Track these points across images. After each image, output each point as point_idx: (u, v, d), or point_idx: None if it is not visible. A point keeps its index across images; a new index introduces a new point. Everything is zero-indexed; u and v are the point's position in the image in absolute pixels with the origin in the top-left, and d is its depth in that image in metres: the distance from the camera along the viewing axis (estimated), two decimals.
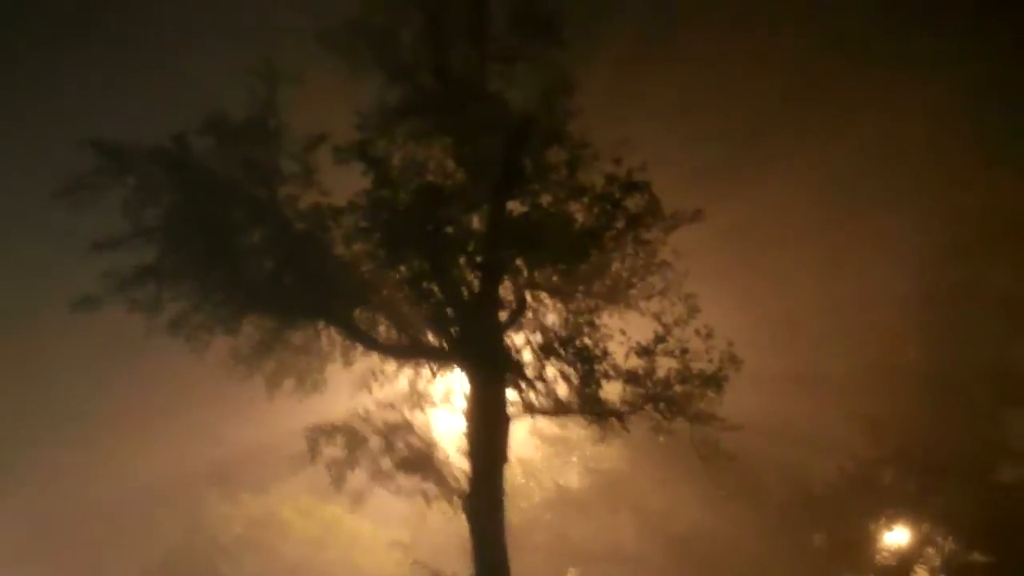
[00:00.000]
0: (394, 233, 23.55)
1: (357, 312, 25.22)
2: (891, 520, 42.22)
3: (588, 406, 24.52)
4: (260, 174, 23.72)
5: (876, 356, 39.63)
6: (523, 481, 41.00)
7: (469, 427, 24.82)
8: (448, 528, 26.87)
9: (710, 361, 24.09)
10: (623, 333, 24.56)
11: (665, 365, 24.36)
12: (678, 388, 24.22)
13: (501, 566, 24.14)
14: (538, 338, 24.83)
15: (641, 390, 24.25)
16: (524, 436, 31.42)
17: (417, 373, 26.44)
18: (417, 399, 26.58)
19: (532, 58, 24.71)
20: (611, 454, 38.35)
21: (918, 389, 39.56)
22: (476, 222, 24.75)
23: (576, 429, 27.64)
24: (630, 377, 24.19)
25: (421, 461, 25.23)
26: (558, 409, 24.75)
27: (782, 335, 37.12)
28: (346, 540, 48.14)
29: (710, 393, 24.22)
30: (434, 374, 26.26)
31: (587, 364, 24.08)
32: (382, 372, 26.73)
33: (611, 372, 24.26)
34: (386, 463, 25.37)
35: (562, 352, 24.24)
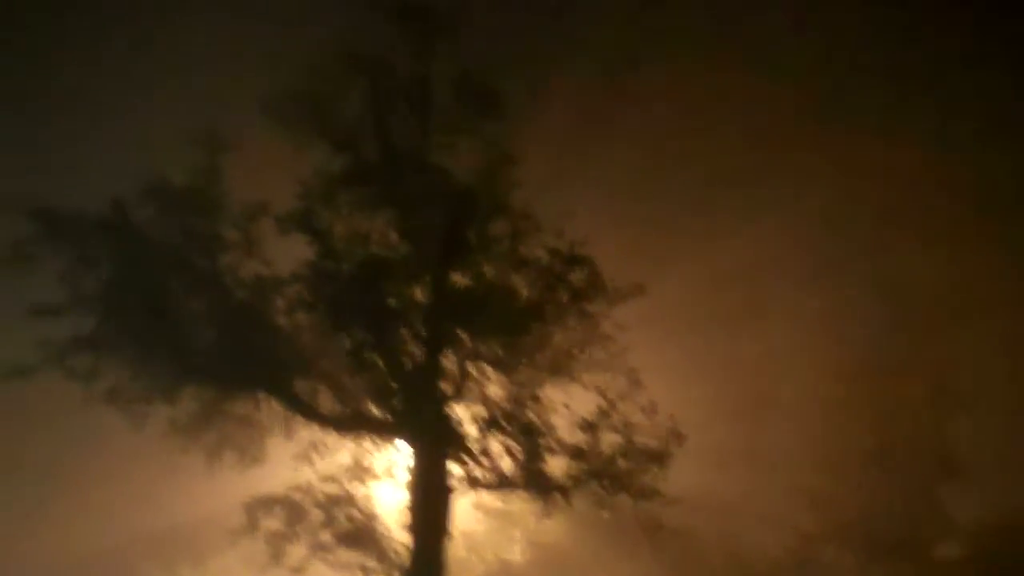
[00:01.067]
0: (337, 305, 23.38)
1: (298, 383, 24.93)
2: None
3: (532, 481, 24.39)
4: (201, 243, 23.49)
5: (816, 430, 39.79)
6: (464, 555, 40.42)
7: (411, 500, 24.60)
8: None
9: (654, 436, 24.09)
10: (567, 407, 24.53)
11: (609, 440, 24.35)
12: (622, 463, 24.18)
13: None
14: (482, 411, 24.70)
15: (585, 465, 24.18)
16: (467, 509, 31.02)
17: (359, 446, 26.10)
18: (359, 472, 26.24)
19: (474, 131, 24.94)
20: (554, 528, 37.90)
21: (859, 464, 39.83)
22: (419, 294, 24.67)
23: (519, 503, 27.36)
24: (574, 452, 24.15)
25: (361, 535, 24.94)
26: (502, 483, 24.62)
27: (725, 410, 37.21)
28: None
29: (654, 469, 24.18)
30: (376, 446, 25.97)
31: (531, 438, 23.99)
32: (324, 444, 26.42)
33: (555, 446, 24.19)
34: (326, 537, 24.96)
35: (505, 426, 24.13)
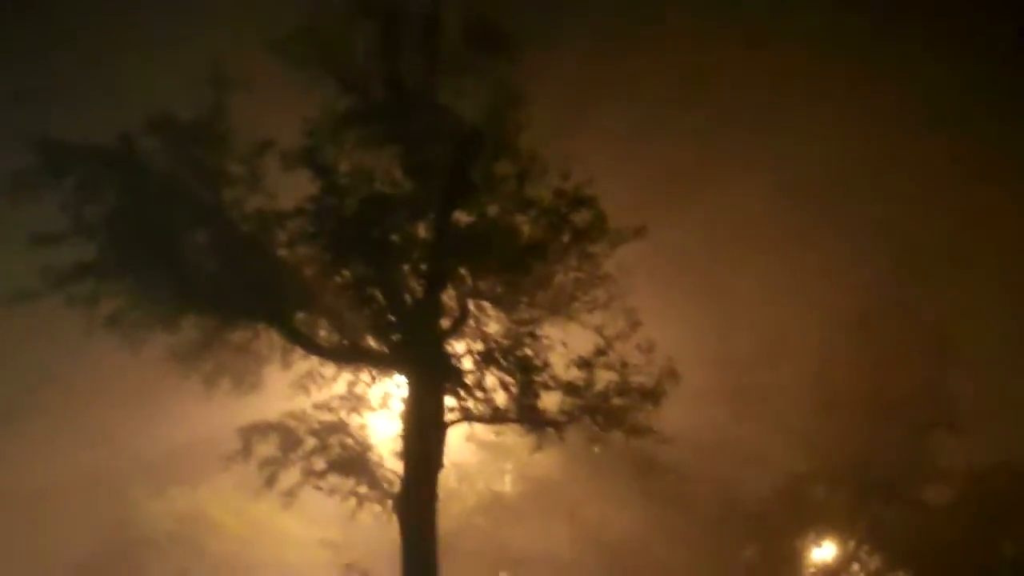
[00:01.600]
0: (339, 239, 23.48)
1: (298, 315, 25.11)
2: (820, 536, 42.91)
3: (525, 415, 24.72)
4: (206, 176, 23.51)
5: (812, 374, 40.15)
6: (456, 486, 41.02)
7: (405, 431, 24.94)
8: (379, 530, 26.85)
9: (649, 375, 24.34)
10: (564, 345, 24.74)
11: (604, 378, 24.61)
12: (616, 401, 24.48)
13: (430, 569, 24.27)
14: (479, 346, 24.92)
15: (579, 401, 24.48)
16: (460, 441, 31.39)
17: (356, 377, 26.39)
18: (355, 402, 26.55)
19: (483, 71, 24.84)
20: (546, 462, 38.33)
21: (851, 408, 40.18)
22: (422, 230, 24.76)
23: (512, 436, 27.72)
24: (569, 388, 24.44)
25: (354, 462, 25.32)
26: (495, 417, 24.97)
27: (721, 351, 37.51)
28: (276, 539, 47.76)
29: (648, 407, 24.47)
30: (373, 379, 26.24)
31: (526, 374, 24.25)
32: (321, 375, 26.76)
33: (550, 383, 24.45)
34: (319, 463, 25.33)
35: (502, 361, 24.38)
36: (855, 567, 42.56)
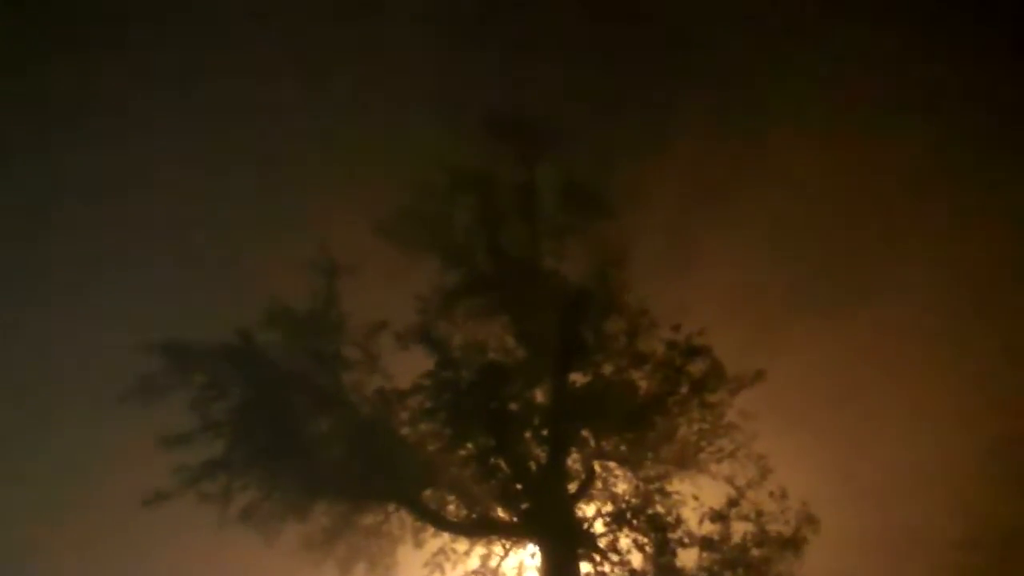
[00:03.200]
0: (459, 412, 23.68)
1: (426, 492, 25.18)
2: None
3: (664, 575, 24.11)
4: (324, 363, 24.06)
5: (961, 504, 38.32)
6: None
7: None
8: None
9: (786, 523, 23.72)
10: (696, 499, 24.29)
11: (740, 530, 24.03)
12: (755, 552, 23.78)
13: None
14: (609, 507, 24.63)
15: (717, 556, 23.84)
16: None
17: (489, 551, 26.18)
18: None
19: (581, 231, 25.33)
20: None
21: (1001, 540, 38.20)
22: (540, 396, 24.88)
23: None
24: (705, 543, 23.83)
25: None
26: None
27: (860, 490, 36.20)
28: None
29: (788, 556, 23.74)
30: (506, 551, 25.99)
31: (660, 532, 23.77)
32: (453, 550, 26.62)
33: (686, 539, 23.92)
34: None
35: (634, 521, 23.99)
36: None
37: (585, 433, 24.81)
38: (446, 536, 26.16)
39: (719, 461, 25.15)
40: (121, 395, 22.84)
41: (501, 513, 24.96)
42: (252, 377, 23.55)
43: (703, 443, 25.18)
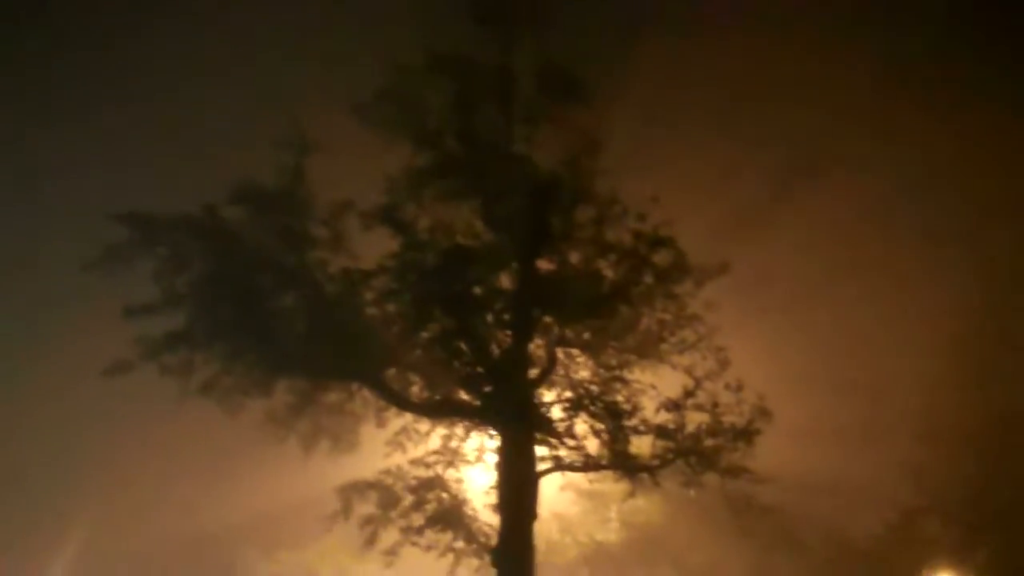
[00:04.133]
0: (423, 294, 23.66)
1: (389, 372, 25.28)
2: (934, 572, 41.44)
3: (618, 461, 24.49)
4: (290, 241, 23.87)
5: (914, 404, 38.90)
6: (559, 537, 40.66)
7: (499, 483, 24.89)
8: None
9: (740, 415, 24.02)
10: (654, 388, 24.53)
11: (696, 419, 24.33)
12: (709, 442, 24.14)
13: None
14: (568, 394, 24.84)
15: (671, 444, 24.19)
16: (559, 491, 31.19)
17: (450, 431, 26.46)
18: (450, 457, 26.63)
19: (557, 119, 25.06)
20: (648, 508, 37.93)
21: (958, 436, 38.83)
22: (505, 281, 24.88)
23: (612, 484, 27.44)
24: (660, 432, 24.14)
25: (450, 517, 25.27)
26: (588, 465, 24.77)
27: (817, 385, 36.62)
28: None
29: (741, 446, 24.11)
30: (467, 432, 26.27)
31: (616, 419, 24.04)
32: (416, 431, 26.90)
33: (641, 427, 24.21)
34: (417, 519, 25.36)
35: (592, 408, 24.23)
36: None
37: (549, 320, 24.90)
38: (408, 416, 26.40)
39: (681, 352, 25.31)
40: (85, 263, 22.63)
41: (463, 396, 25.19)
42: (216, 252, 23.27)
43: (665, 334, 25.33)
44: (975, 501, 39.44)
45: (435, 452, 26.99)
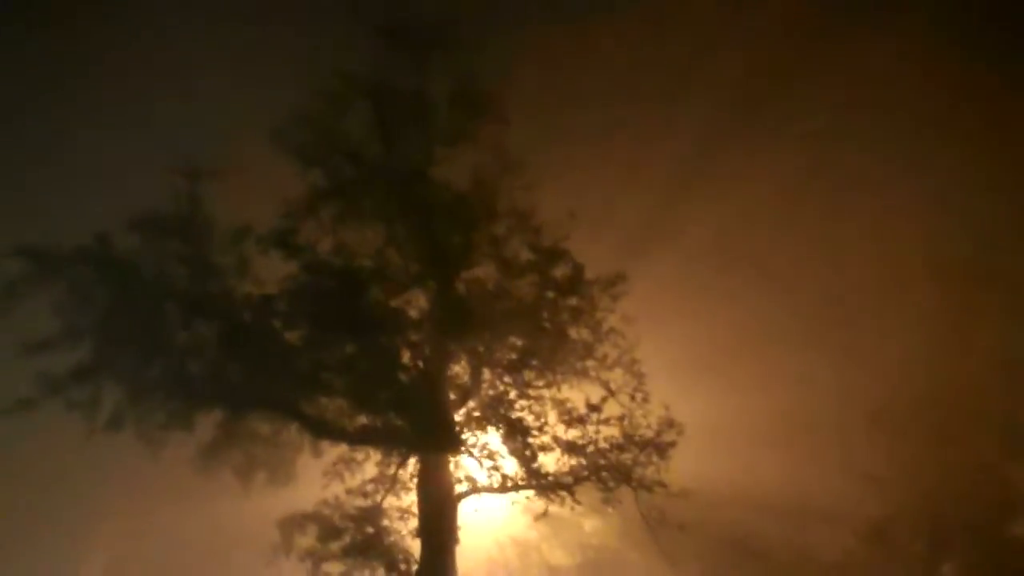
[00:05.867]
0: (322, 318, 23.45)
1: (322, 400, 25.05)
2: None
3: (534, 480, 24.21)
4: (191, 268, 23.68)
5: (869, 408, 37.87)
6: (518, 562, 40.16)
7: (419, 507, 24.71)
8: None
9: (648, 427, 23.78)
10: (562, 403, 24.30)
11: (607, 433, 24.12)
12: (618, 456, 23.87)
13: None
14: (480, 414, 24.66)
15: (582, 460, 23.91)
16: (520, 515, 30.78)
17: (387, 459, 26.26)
18: (388, 484, 26.44)
19: (470, 136, 25.00)
20: (603, 529, 37.42)
21: (917, 441, 37.90)
22: (414, 302, 24.80)
23: (568, 507, 27.00)
24: (568, 447, 23.85)
25: (372, 544, 24.97)
26: (504, 486, 24.46)
27: (761, 398, 35.84)
28: None
29: (655, 460, 23.83)
30: (403, 458, 26.05)
31: (523, 436, 23.78)
32: (353, 459, 26.72)
33: (551, 444, 23.95)
34: (336, 549, 25.11)
35: (500, 427, 24.02)
36: None
37: (459, 340, 24.71)
38: (345, 445, 26.22)
39: (611, 368, 25.09)
40: None
41: (376, 422, 24.95)
42: (117, 283, 23.05)
43: (584, 351, 25.08)
44: (938, 511, 38.39)
45: (371, 480, 26.82)
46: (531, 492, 24.79)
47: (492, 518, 31.64)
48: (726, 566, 38.17)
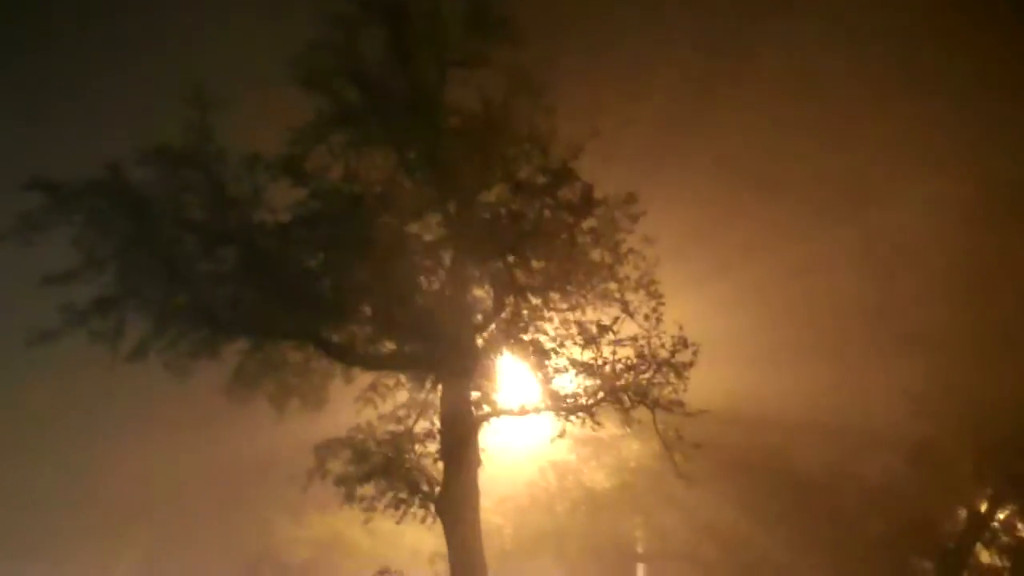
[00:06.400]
0: (335, 243, 23.46)
1: (328, 327, 25.19)
2: (950, 500, 39.99)
3: (552, 402, 24.18)
4: (205, 197, 23.73)
5: (906, 327, 37.02)
6: (558, 484, 40.53)
7: (442, 432, 24.88)
8: None
9: (662, 346, 23.57)
10: (578, 324, 24.13)
11: (623, 355, 23.98)
12: (639, 377, 23.72)
13: (477, 569, 24.08)
14: (502, 338, 24.56)
15: (598, 381, 23.82)
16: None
17: (420, 383, 26.38)
18: (419, 409, 26.59)
19: (487, 59, 24.74)
20: (644, 452, 37.43)
21: (957, 358, 36.95)
22: (428, 227, 24.72)
23: (610, 428, 26.98)
24: (584, 369, 23.74)
25: (392, 468, 25.14)
26: (523, 409, 24.48)
27: (782, 312, 35.28)
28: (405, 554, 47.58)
29: (672, 378, 23.67)
30: (433, 383, 26.14)
31: (539, 358, 23.70)
32: (385, 385, 26.91)
33: (569, 366, 23.86)
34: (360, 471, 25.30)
35: (512, 349, 23.95)
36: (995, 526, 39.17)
37: (478, 263, 24.66)
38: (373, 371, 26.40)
39: (635, 290, 24.86)
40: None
41: (392, 346, 25.08)
42: (132, 213, 23.13)
43: (605, 273, 24.84)
44: (979, 426, 37.43)
45: (403, 405, 27.01)
46: (551, 414, 24.52)
47: (531, 443, 32.08)
48: (763, 490, 38.08)
